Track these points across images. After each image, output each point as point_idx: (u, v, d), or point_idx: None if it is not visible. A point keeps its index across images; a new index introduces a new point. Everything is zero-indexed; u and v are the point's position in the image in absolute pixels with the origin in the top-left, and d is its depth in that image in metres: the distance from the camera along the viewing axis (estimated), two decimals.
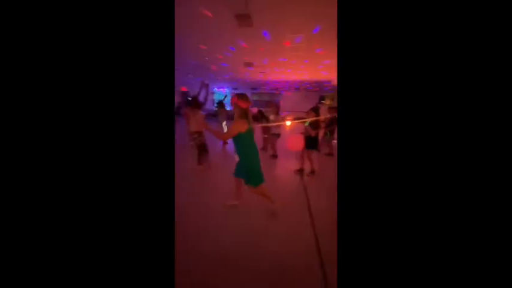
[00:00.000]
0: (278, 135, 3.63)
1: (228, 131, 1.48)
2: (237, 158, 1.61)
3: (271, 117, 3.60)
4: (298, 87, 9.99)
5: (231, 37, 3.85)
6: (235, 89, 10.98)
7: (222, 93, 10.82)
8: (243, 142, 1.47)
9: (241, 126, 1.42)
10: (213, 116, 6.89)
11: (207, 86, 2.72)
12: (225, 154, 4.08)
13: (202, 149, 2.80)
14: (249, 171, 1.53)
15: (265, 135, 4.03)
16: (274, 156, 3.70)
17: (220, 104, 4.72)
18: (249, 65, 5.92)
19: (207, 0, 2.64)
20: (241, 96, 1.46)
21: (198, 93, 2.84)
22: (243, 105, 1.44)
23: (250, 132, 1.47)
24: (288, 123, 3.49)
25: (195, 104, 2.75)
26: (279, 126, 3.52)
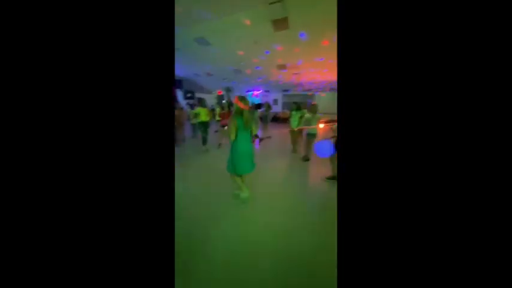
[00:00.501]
0: (314, 135, 3.32)
1: (228, 131, 1.72)
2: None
3: (307, 115, 3.42)
4: (334, 87, 9.31)
5: (268, 41, 3.98)
6: (267, 91, 11.16)
7: (256, 97, 11.15)
8: (239, 139, 1.76)
9: (234, 124, 1.70)
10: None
11: (230, 90, 2.84)
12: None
13: None
14: (230, 160, 1.85)
15: (294, 129, 3.66)
16: (306, 159, 3.49)
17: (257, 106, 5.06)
18: (282, 67, 5.94)
19: (246, 9, 2.83)
20: (242, 98, 1.72)
21: (227, 99, 2.97)
22: (242, 106, 1.70)
23: (241, 129, 1.73)
24: (321, 126, 3.31)
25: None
26: (314, 126, 3.29)
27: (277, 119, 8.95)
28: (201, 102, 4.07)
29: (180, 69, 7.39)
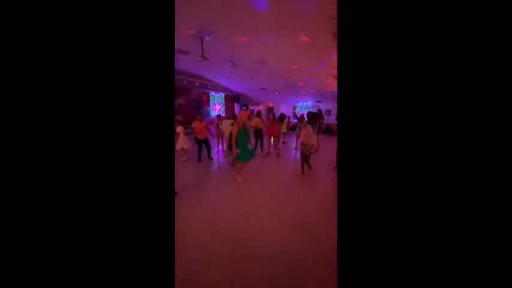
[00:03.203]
0: None
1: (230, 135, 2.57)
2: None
3: None
4: None
5: (325, 53, 3.95)
6: (318, 101, 10.70)
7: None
8: (238, 139, 2.57)
9: (234, 129, 2.56)
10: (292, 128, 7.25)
11: (272, 108, 3.12)
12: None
13: (305, 160, 2.86)
14: (237, 154, 2.64)
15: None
16: None
17: (281, 116, 5.40)
18: None
19: (305, 28, 2.97)
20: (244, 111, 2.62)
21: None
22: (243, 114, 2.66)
23: (243, 133, 2.57)
24: None
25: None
26: None
27: (330, 131, 8.31)
28: (258, 114, 4.47)
29: (239, 86, 8.48)
